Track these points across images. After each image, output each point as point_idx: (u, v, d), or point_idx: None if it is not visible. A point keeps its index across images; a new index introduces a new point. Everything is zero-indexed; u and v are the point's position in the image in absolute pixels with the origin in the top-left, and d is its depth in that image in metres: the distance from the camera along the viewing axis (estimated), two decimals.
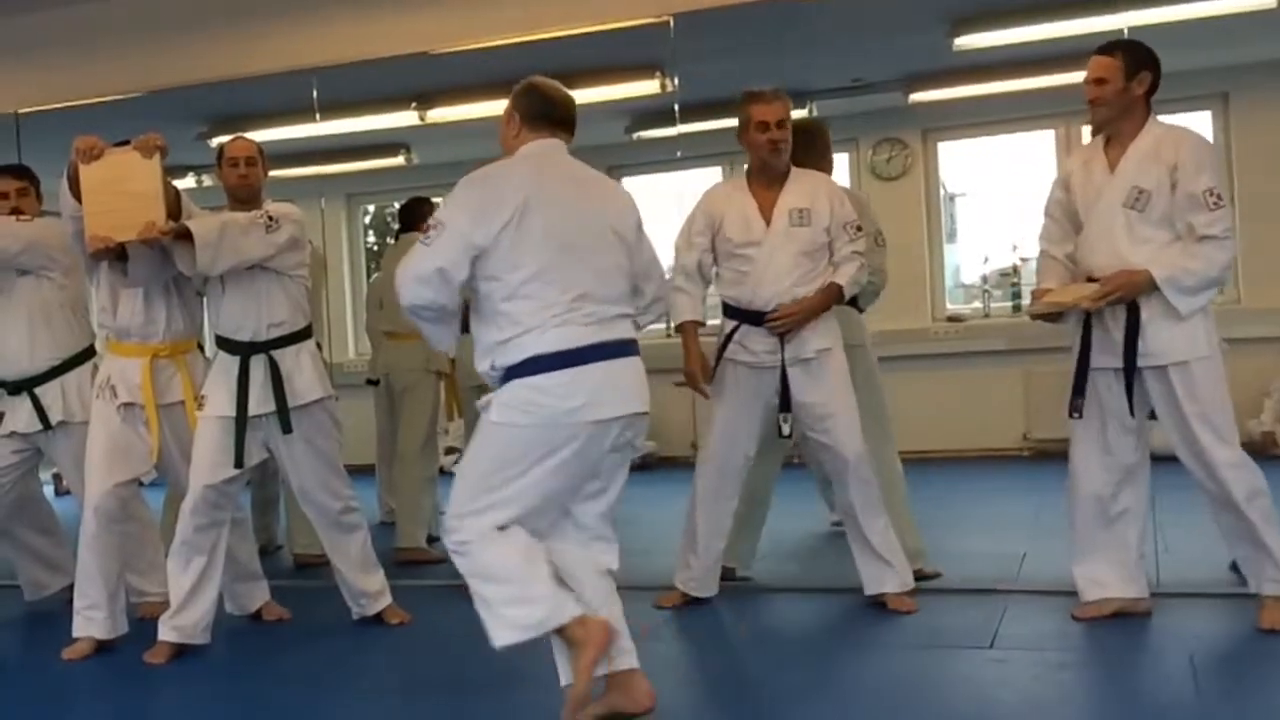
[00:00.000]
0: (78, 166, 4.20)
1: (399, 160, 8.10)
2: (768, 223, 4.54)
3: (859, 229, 4.62)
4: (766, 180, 4.60)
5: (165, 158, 4.22)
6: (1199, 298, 4.00)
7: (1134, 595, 4.21)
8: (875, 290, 5.14)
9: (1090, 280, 4.11)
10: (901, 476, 5.01)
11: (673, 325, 4.66)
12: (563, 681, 3.31)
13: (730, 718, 3.48)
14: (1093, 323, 4.14)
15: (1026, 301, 8.64)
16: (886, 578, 4.54)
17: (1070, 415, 4.19)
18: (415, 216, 6.44)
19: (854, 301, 4.89)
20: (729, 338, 4.59)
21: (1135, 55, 4.08)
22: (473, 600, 3.25)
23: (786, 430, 4.57)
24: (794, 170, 4.63)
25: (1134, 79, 4.05)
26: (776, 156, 4.56)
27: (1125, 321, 4.04)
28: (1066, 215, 4.23)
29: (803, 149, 4.68)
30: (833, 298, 4.57)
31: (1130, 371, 4.05)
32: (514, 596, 3.20)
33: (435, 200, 6.95)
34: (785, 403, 4.53)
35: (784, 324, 4.49)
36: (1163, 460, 4.22)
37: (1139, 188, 4.03)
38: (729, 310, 4.63)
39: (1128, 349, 4.05)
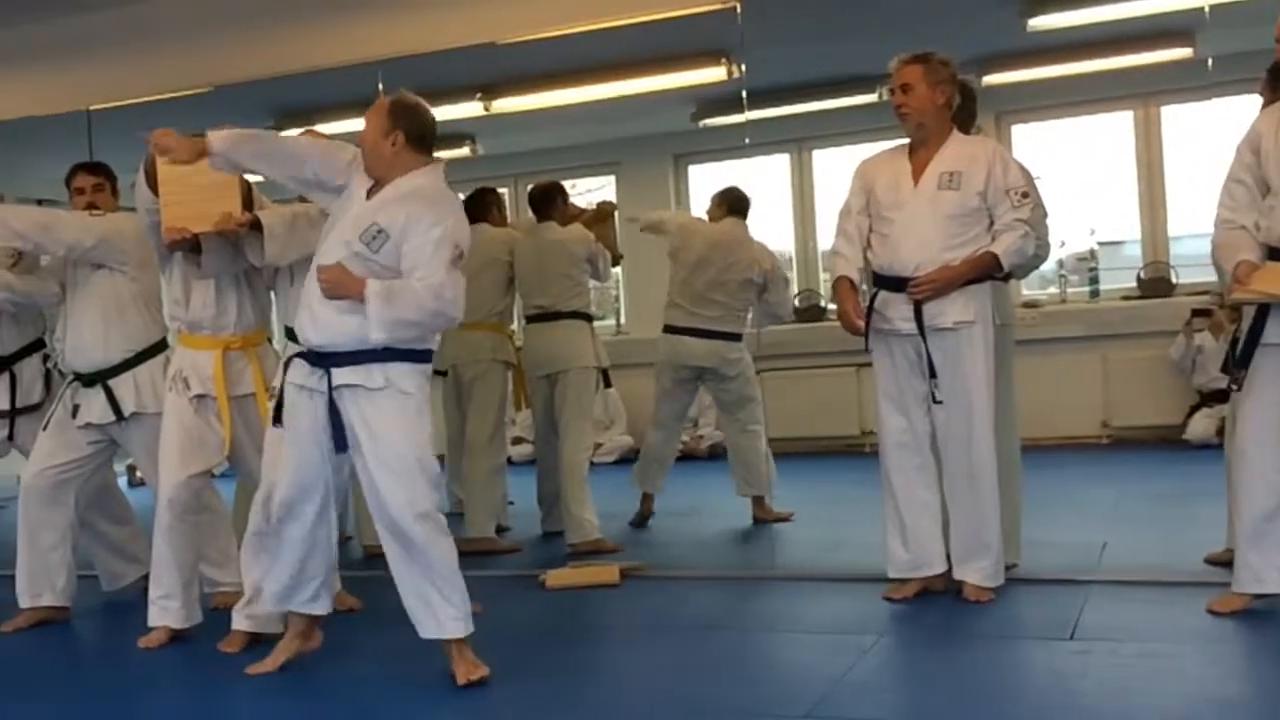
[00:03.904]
0: (154, 159, 4.22)
1: (464, 151, 8.09)
2: (917, 186, 4.42)
3: (1024, 196, 4.37)
4: (919, 144, 4.46)
5: None
6: None
7: None
8: (1035, 265, 4.94)
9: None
10: (1019, 466, 4.79)
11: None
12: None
13: (803, 707, 3.41)
14: None
15: (1105, 286, 8.51)
16: (972, 567, 4.42)
17: (1229, 388, 3.90)
18: (480, 206, 6.43)
19: (1007, 275, 4.64)
20: (870, 305, 4.47)
21: None
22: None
23: (939, 396, 4.38)
24: (955, 134, 4.46)
25: None
26: (902, 121, 4.44)
27: None
28: (1256, 181, 3.98)
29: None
30: (983, 267, 4.36)
31: None
32: None
33: (501, 190, 6.95)
34: (932, 368, 4.37)
35: (922, 290, 4.32)
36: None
37: None
38: (875, 277, 4.49)
39: None
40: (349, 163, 3.90)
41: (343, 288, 3.68)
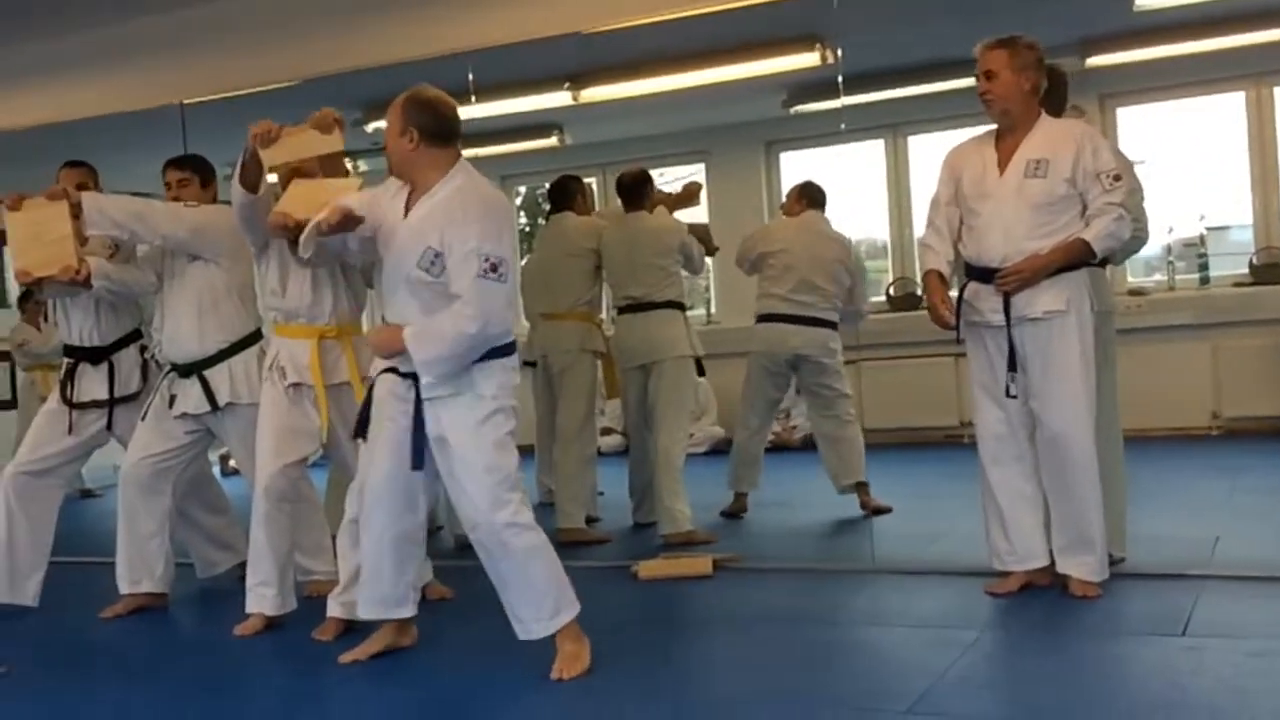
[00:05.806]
0: (255, 152, 4.23)
1: (552, 141, 8.09)
2: (1003, 175, 4.30)
3: (1117, 178, 4.21)
4: (1006, 131, 4.34)
5: (343, 130, 4.29)
6: None
7: None
8: (1133, 249, 4.78)
9: None
10: (1121, 457, 4.60)
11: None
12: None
13: (905, 702, 3.31)
14: None
15: (1216, 272, 8.24)
16: (1076, 561, 4.27)
17: None
18: (565, 195, 6.39)
19: (1104, 260, 4.48)
20: (960, 297, 4.37)
21: None
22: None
23: (1014, 390, 4.28)
24: (1043, 119, 4.32)
25: None
26: (987, 108, 4.33)
27: None
28: None
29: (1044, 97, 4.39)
30: (1072, 254, 4.21)
31: None
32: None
33: (589, 180, 6.91)
34: (1012, 361, 4.26)
35: (1009, 282, 4.21)
36: None
37: None
38: (965, 268, 4.39)
39: None
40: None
41: (387, 346, 3.76)
